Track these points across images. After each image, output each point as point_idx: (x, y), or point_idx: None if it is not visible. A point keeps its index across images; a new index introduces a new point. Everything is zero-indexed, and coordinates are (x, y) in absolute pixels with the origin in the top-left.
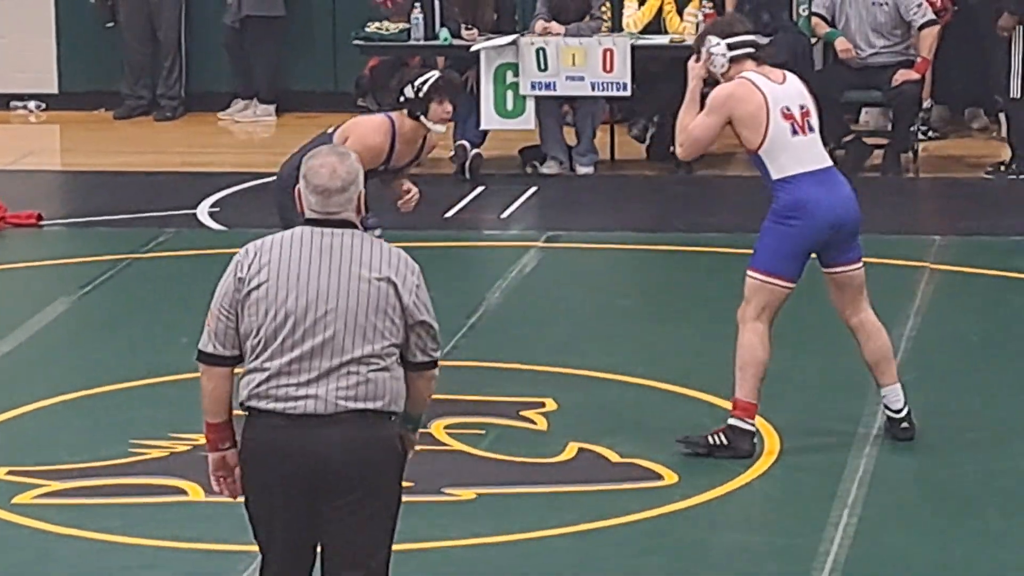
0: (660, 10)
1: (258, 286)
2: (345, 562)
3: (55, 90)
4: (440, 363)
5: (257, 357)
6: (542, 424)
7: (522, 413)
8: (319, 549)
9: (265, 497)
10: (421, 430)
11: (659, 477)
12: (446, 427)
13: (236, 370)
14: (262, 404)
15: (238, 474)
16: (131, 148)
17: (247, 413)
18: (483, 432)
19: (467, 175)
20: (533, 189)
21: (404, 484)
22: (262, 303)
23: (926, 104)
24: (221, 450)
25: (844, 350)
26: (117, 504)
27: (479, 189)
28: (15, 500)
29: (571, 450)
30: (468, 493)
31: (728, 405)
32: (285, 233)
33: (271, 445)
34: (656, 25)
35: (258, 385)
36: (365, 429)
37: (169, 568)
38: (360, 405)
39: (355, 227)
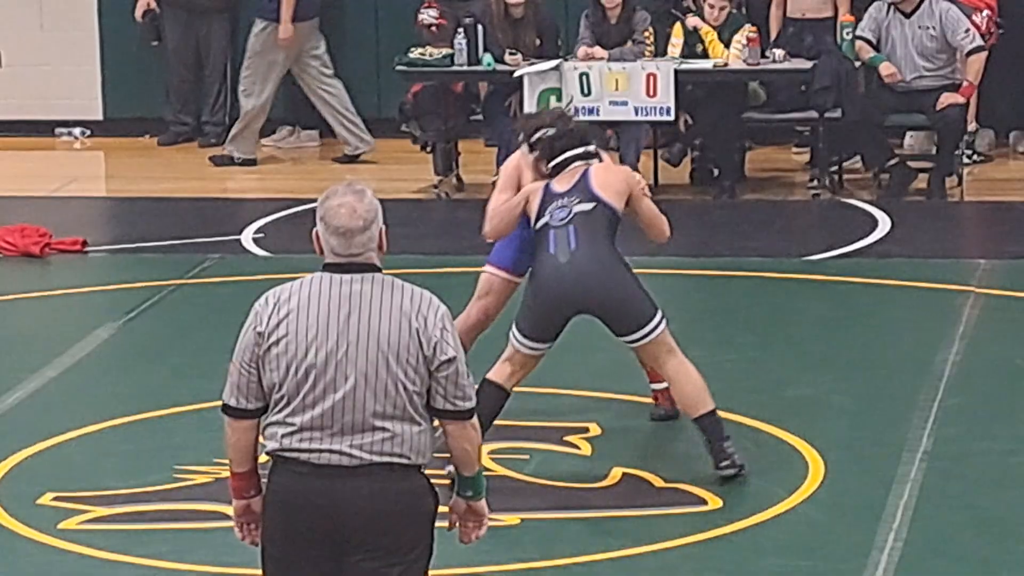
0: (700, 38)
1: (278, 341)
2: None
3: (100, 116)
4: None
5: (280, 411)
6: (586, 449)
7: (566, 438)
8: None
9: (287, 547)
10: None
11: (703, 502)
12: (490, 452)
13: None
14: (287, 455)
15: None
16: (175, 174)
17: (272, 461)
18: (527, 457)
19: None
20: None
21: (448, 509)
22: (282, 359)
23: (971, 128)
24: (246, 498)
25: (887, 376)
26: (163, 530)
27: None
28: (61, 526)
29: (615, 475)
30: (513, 518)
31: (771, 429)
32: (305, 280)
33: (296, 493)
34: (691, 52)
35: (283, 438)
36: (392, 482)
37: None
38: (386, 459)
39: (377, 270)
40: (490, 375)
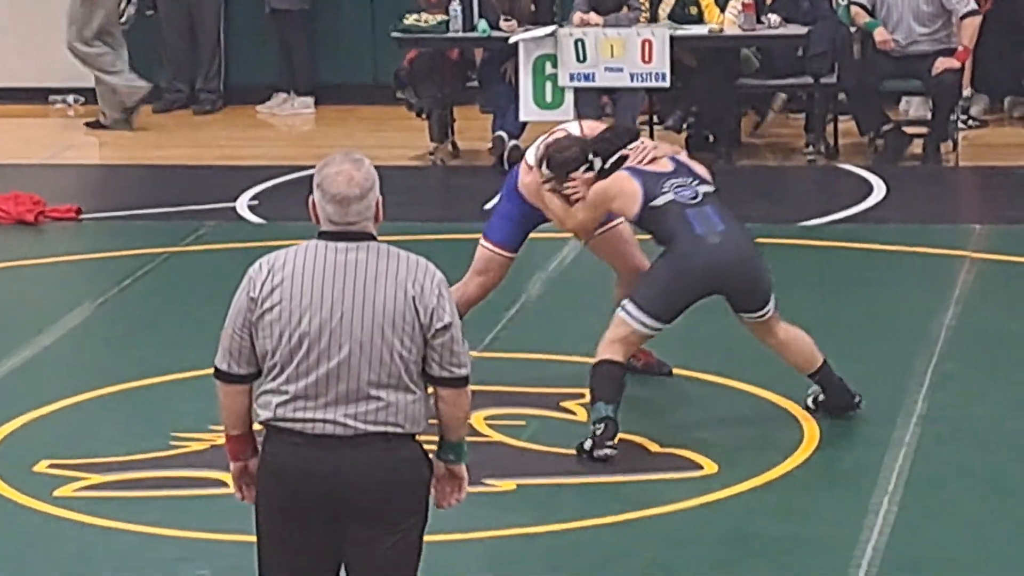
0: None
1: (271, 308)
2: None
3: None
4: (481, 354)
5: (274, 379)
6: (582, 415)
7: (562, 404)
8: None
9: (281, 516)
10: None
11: (699, 467)
12: (486, 418)
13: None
14: (281, 424)
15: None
16: (170, 142)
17: (266, 430)
18: (523, 423)
19: (506, 166)
20: None
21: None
22: (276, 325)
23: (966, 93)
24: (243, 460)
25: (882, 341)
26: (158, 497)
27: None
28: (56, 493)
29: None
30: (509, 484)
31: (767, 394)
32: (300, 248)
33: (291, 463)
34: (683, 13)
35: (276, 407)
36: (387, 451)
37: (210, 560)
38: (381, 428)
39: (373, 238)
40: (608, 355)
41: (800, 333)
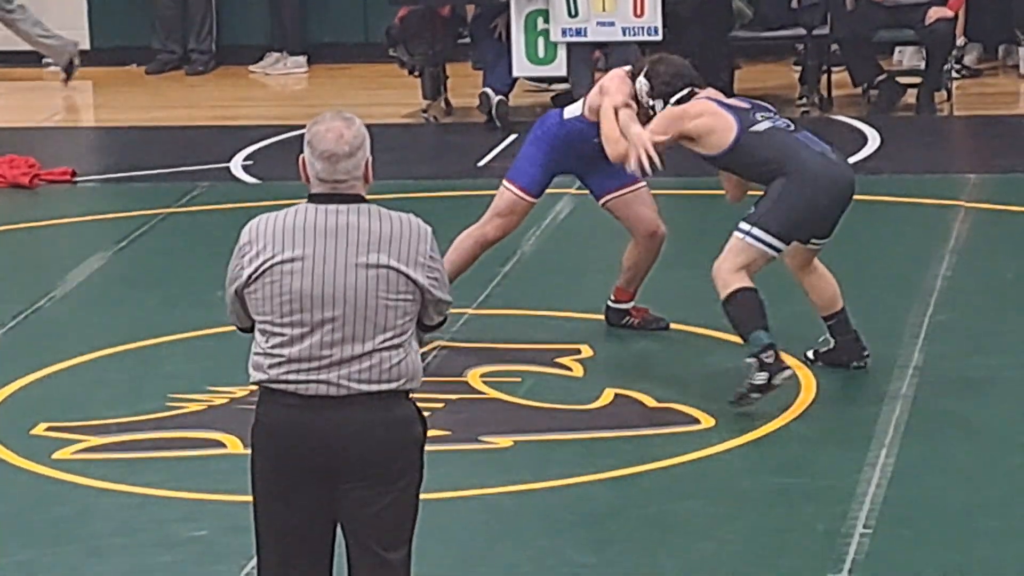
0: None
1: (263, 271)
2: (369, 543)
3: (87, 46)
4: (476, 311)
5: (266, 341)
6: (578, 371)
7: (558, 360)
8: (339, 531)
9: (277, 478)
10: (456, 378)
11: (696, 421)
12: (482, 375)
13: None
14: (274, 386)
15: None
16: (164, 103)
17: (260, 393)
18: (519, 380)
19: (497, 123)
20: None
21: (440, 433)
22: (268, 288)
23: (960, 42)
24: None
25: (877, 292)
26: (156, 458)
27: (512, 137)
28: (55, 456)
29: (607, 396)
30: (505, 441)
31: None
32: (291, 211)
33: (286, 425)
34: None
35: (269, 368)
36: (380, 410)
37: (209, 520)
38: (375, 387)
39: (362, 200)
40: (741, 284)
41: (829, 273)
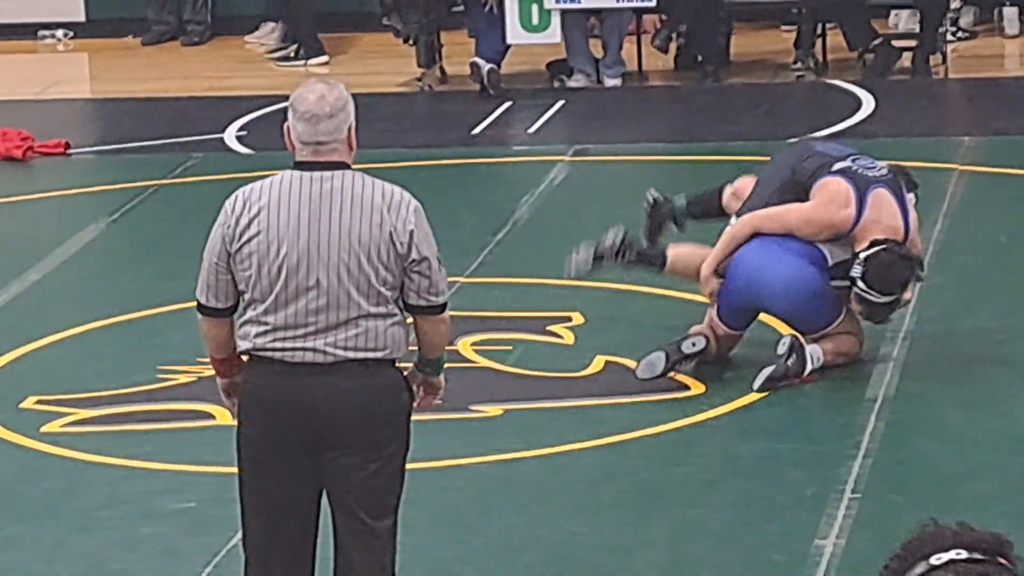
0: None
1: (249, 239)
2: (355, 511)
3: (82, 18)
4: (468, 279)
5: (253, 310)
6: (569, 338)
7: (549, 328)
8: (326, 498)
9: (264, 446)
10: (448, 347)
11: (686, 388)
12: (473, 344)
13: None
14: (261, 354)
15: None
16: (159, 74)
17: (248, 359)
18: (510, 348)
19: (491, 92)
20: (561, 103)
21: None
22: (254, 257)
23: (955, 4)
24: (231, 376)
25: None
26: (146, 430)
27: (506, 105)
28: (44, 429)
29: (598, 363)
30: (495, 409)
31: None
32: (275, 179)
33: (272, 392)
34: None
35: (256, 337)
36: (366, 378)
37: (199, 491)
38: (360, 355)
39: (347, 167)
40: None
41: None
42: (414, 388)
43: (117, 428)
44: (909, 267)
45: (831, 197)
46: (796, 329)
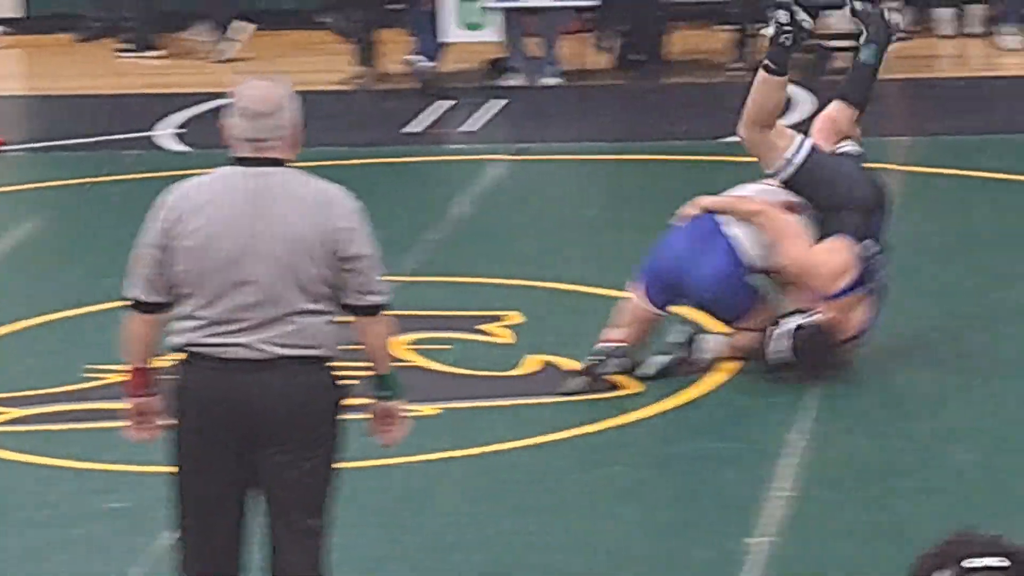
0: None
1: (184, 234)
2: (288, 509)
3: (23, 14)
4: (406, 278)
5: (188, 305)
6: (507, 337)
7: (487, 327)
8: (260, 497)
9: (198, 442)
10: None
11: (622, 388)
12: (410, 343)
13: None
14: (195, 349)
15: (159, 414)
16: (93, 71)
17: (182, 356)
18: (449, 347)
19: (428, 90)
20: (503, 103)
21: (367, 402)
22: (189, 252)
23: (894, 5)
24: (142, 395)
25: None
26: (76, 430)
27: (447, 104)
28: None
29: (536, 363)
30: (432, 409)
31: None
32: (214, 174)
33: (206, 388)
34: None
35: (190, 332)
36: (300, 375)
37: (130, 491)
38: (295, 352)
39: (286, 164)
40: None
41: None
42: (371, 422)
43: (47, 427)
44: None
45: (839, 271)
46: (714, 316)
